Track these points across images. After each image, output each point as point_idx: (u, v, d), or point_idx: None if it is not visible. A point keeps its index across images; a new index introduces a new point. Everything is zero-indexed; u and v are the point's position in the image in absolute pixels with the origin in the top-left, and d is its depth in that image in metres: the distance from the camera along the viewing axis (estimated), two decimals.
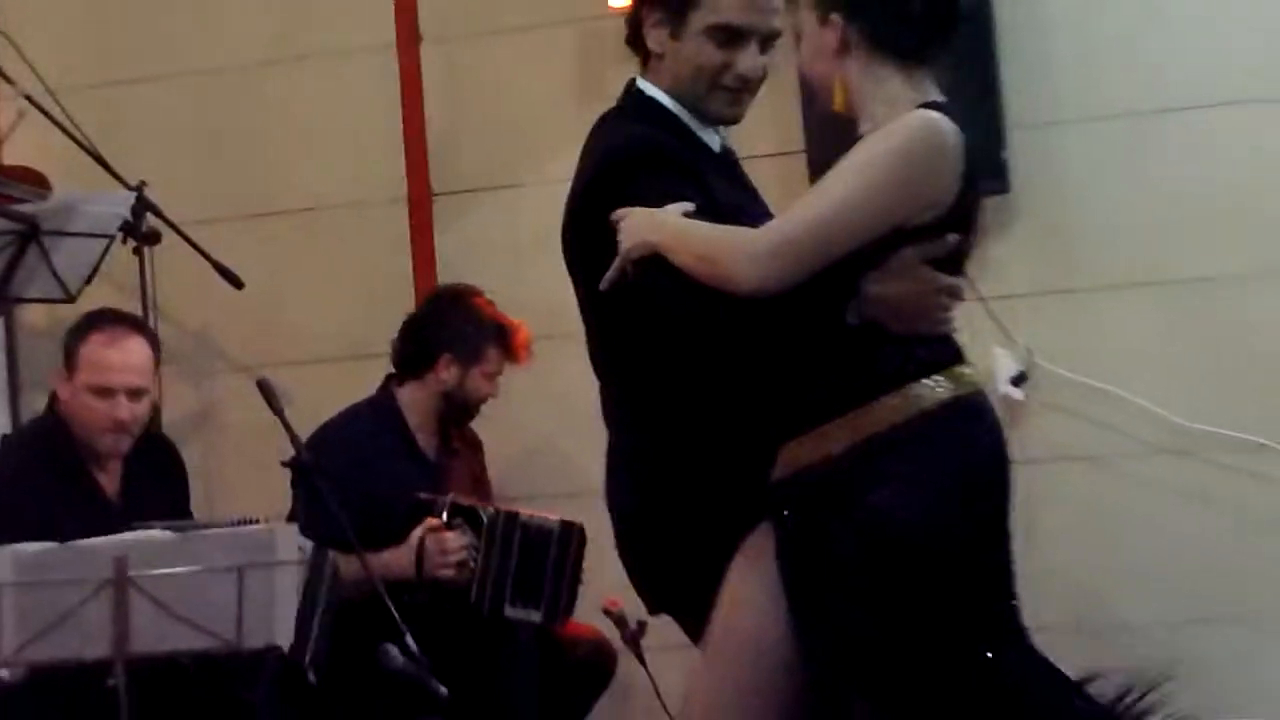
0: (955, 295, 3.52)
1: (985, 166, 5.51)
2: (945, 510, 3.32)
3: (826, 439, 3.40)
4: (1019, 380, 6.07)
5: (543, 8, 6.46)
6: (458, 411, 6.13)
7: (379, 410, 6.04)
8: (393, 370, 6.15)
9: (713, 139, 3.81)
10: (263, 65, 6.89)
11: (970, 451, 3.39)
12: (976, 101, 5.73)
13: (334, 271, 6.64)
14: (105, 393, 5.36)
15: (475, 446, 6.45)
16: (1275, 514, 5.82)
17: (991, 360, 5.97)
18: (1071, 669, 3.71)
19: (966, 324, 5.21)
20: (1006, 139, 5.96)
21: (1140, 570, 6.02)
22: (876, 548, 3.30)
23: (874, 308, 3.41)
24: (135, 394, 5.40)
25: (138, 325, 5.71)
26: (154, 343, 5.67)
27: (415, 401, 6.04)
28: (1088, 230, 6.14)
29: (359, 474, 5.70)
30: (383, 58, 6.63)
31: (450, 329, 6.08)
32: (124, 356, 5.48)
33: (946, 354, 3.46)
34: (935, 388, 3.38)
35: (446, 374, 5.98)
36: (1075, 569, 6.04)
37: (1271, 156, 5.83)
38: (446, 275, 6.18)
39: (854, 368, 3.40)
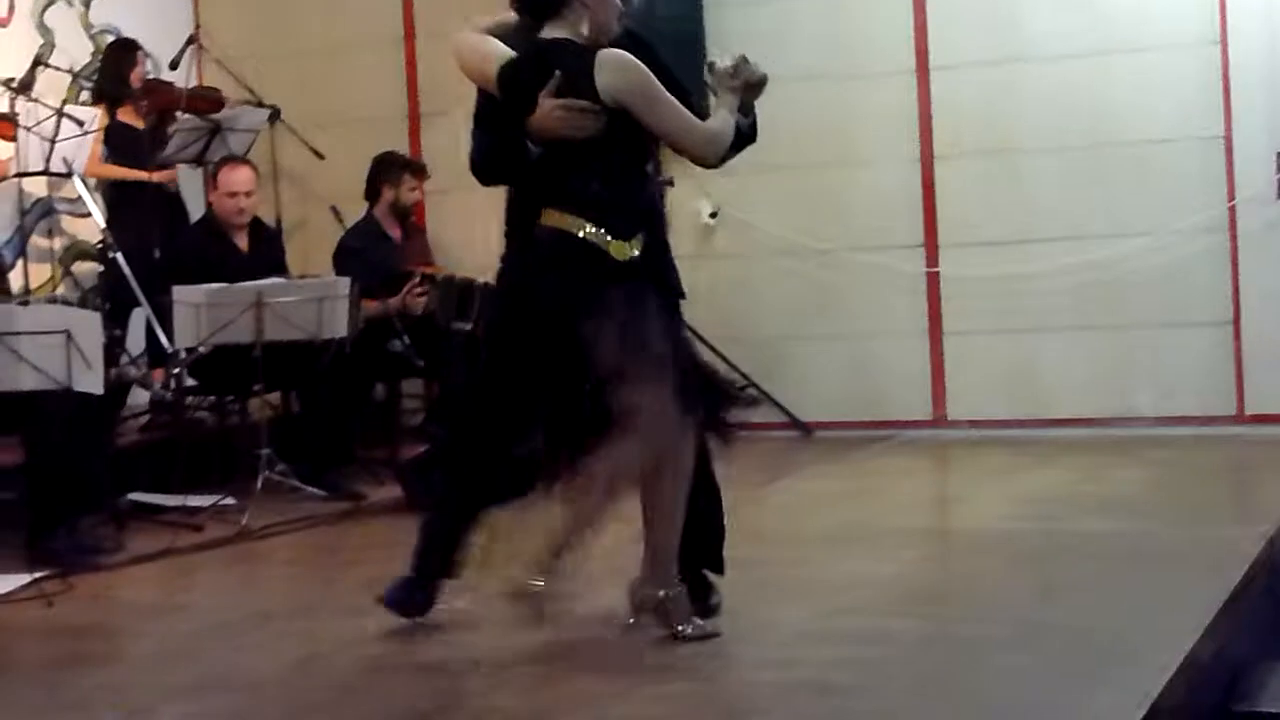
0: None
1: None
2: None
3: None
4: (713, 215, 9.27)
5: None
6: (402, 213, 8.64)
7: (369, 221, 8.64)
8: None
9: None
10: None
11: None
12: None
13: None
14: (232, 195, 7.81)
15: (421, 232, 9.21)
16: (823, 282, 9.14)
17: (699, 202, 9.08)
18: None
19: (694, 187, 8.50)
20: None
21: (763, 309, 9.31)
22: None
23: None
24: (247, 195, 7.81)
25: (246, 161, 8.00)
26: (254, 170, 7.95)
27: (384, 213, 8.59)
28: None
29: (367, 253, 8.28)
30: None
31: (379, 168, 8.50)
32: (239, 175, 7.86)
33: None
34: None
35: (389, 194, 8.55)
36: (733, 308, 9.16)
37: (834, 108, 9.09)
38: None
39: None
